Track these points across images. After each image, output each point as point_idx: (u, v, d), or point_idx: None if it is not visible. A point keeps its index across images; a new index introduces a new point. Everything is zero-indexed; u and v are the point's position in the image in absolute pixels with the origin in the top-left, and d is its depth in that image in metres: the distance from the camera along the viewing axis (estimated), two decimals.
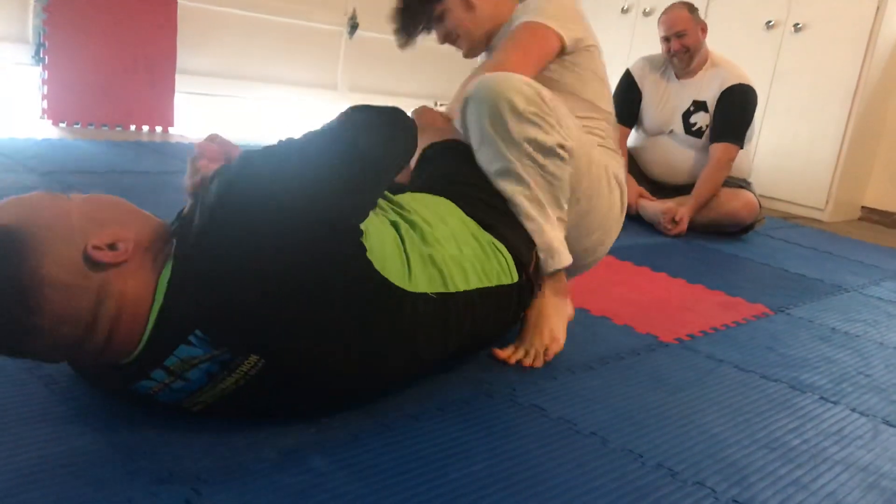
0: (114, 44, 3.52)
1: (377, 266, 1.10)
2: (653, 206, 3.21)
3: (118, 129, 3.58)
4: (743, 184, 3.30)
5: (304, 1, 4.31)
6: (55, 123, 3.40)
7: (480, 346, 1.46)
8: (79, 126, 3.47)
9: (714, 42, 3.33)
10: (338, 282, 1.04)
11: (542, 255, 1.48)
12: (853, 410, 1.55)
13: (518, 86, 1.45)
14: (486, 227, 1.39)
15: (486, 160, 1.49)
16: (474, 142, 1.50)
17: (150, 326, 1.00)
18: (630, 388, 1.48)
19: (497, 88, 1.44)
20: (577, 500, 1.06)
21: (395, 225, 1.24)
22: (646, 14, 4.71)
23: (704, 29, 3.23)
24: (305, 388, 1.10)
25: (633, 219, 3.21)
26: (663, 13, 3.25)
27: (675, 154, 3.32)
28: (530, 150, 1.45)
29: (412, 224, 1.27)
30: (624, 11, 4.81)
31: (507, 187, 1.47)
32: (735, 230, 3.22)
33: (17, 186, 2.30)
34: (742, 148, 3.22)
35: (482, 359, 1.48)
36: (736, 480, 1.19)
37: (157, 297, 1.00)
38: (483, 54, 1.88)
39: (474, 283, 1.29)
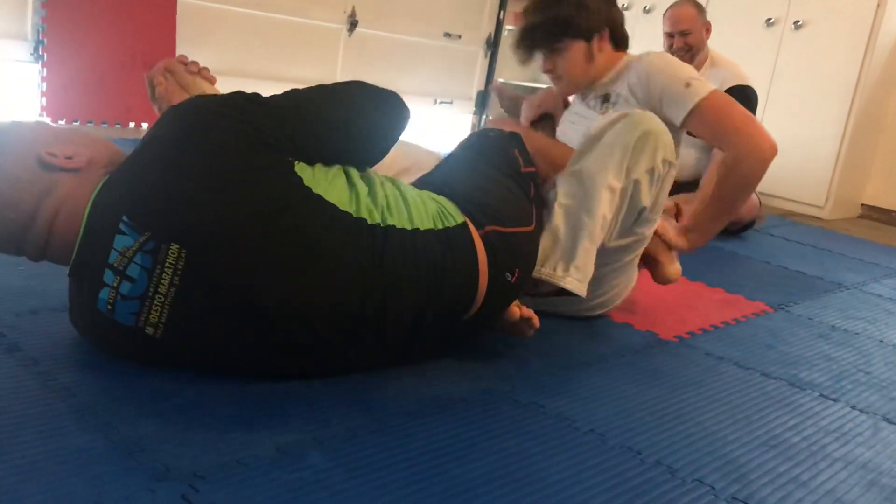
0: (113, 41, 3.51)
1: (308, 182, 1.19)
2: None
3: (117, 126, 3.57)
4: None
5: None
6: (54, 120, 3.40)
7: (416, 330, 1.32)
8: (78, 123, 3.46)
9: (714, 39, 3.33)
10: (252, 179, 1.14)
11: (559, 266, 1.55)
12: (853, 408, 1.54)
13: (669, 142, 1.61)
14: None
15: (598, 166, 1.57)
16: (609, 150, 1.57)
17: (85, 217, 1.15)
18: (629, 386, 1.48)
19: (663, 140, 1.59)
20: (576, 497, 1.06)
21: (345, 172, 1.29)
22: (646, 11, 4.70)
23: (709, 29, 3.22)
24: (240, 304, 1.14)
25: None
26: (670, 8, 3.24)
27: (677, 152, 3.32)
28: (635, 190, 1.59)
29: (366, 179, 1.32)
30: (625, 9, 4.81)
31: (605, 199, 1.56)
32: (735, 228, 3.22)
33: None
34: None
35: (480, 356, 1.48)
36: (735, 478, 1.19)
37: (92, 195, 1.16)
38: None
39: (417, 224, 1.29)
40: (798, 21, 4.16)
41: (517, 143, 1.64)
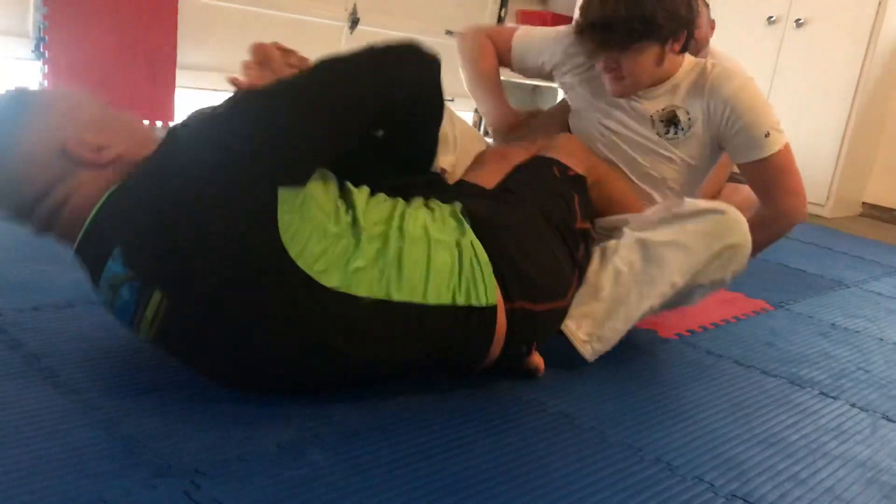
0: (114, 38, 3.51)
1: (287, 243, 1.08)
2: None
3: None
4: (743, 179, 3.30)
5: None
6: None
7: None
8: None
9: (715, 36, 3.32)
10: (230, 237, 1.06)
11: (583, 327, 1.47)
12: (852, 406, 1.55)
13: (746, 257, 1.55)
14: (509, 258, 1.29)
15: (678, 262, 1.49)
16: (691, 247, 1.49)
17: (89, 218, 1.10)
18: (630, 383, 1.48)
19: (742, 255, 1.53)
20: (577, 493, 1.06)
21: (354, 229, 1.17)
22: None
23: (713, 26, 3.23)
24: (221, 348, 1.12)
25: None
26: None
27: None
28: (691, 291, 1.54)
29: (384, 236, 1.19)
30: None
31: (661, 288, 1.49)
32: None
33: None
34: None
35: None
36: (735, 475, 1.19)
37: (102, 198, 1.10)
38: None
39: (433, 299, 1.19)
40: (800, 19, 4.16)
41: (578, 189, 1.54)
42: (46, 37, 3.34)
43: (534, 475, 1.09)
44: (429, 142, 1.41)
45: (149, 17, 3.61)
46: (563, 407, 1.33)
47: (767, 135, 1.66)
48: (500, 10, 5.25)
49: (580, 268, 1.47)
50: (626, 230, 1.54)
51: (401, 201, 1.28)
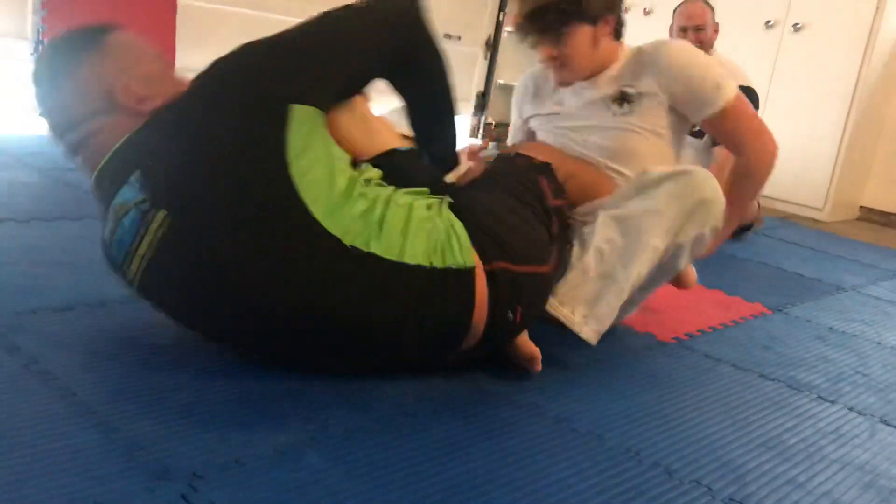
0: None
1: (291, 160, 1.17)
2: None
3: None
4: None
5: None
6: None
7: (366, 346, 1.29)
8: None
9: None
10: (244, 169, 1.16)
11: (578, 310, 1.49)
12: (850, 409, 1.55)
13: (721, 211, 1.57)
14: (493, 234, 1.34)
15: (659, 226, 1.52)
16: (663, 210, 1.52)
17: (113, 149, 1.19)
18: (628, 387, 1.48)
19: (717, 209, 1.55)
20: (574, 498, 1.06)
21: (351, 183, 1.25)
22: (646, 13, 4.70)
23: (717, 30, 3.26)
24: (207, 278, 1.18)
25: None
26: (683, 4, 3.27)
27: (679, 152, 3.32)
28: (673, 253, 1.56)
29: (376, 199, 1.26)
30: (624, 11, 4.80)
31: (645, 256, 1.51)
32: (734, 231, 3.22)
33: (15, 182, 2.30)
34: None
35: (478, 357, 1.48)
36: (733, 479, 1.19)
37: (125, 137, 1.19)
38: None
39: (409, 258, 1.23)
40: (797, 23, 4.17)
41: (545, 173, 1.59)
42: (45, 39, 3.34)
43: (531, 479, 1.09)
44: (443, 112, 1.50)
45: (147, 20, 3.61)
46: (561, 410, 1.33)
47: (717, 87, 1.71)
48: (499, 12, 5.25)
49: (559, 242, 1.51)
50: (600, 212, 1.59)
51: (394, 187, 1.34)
